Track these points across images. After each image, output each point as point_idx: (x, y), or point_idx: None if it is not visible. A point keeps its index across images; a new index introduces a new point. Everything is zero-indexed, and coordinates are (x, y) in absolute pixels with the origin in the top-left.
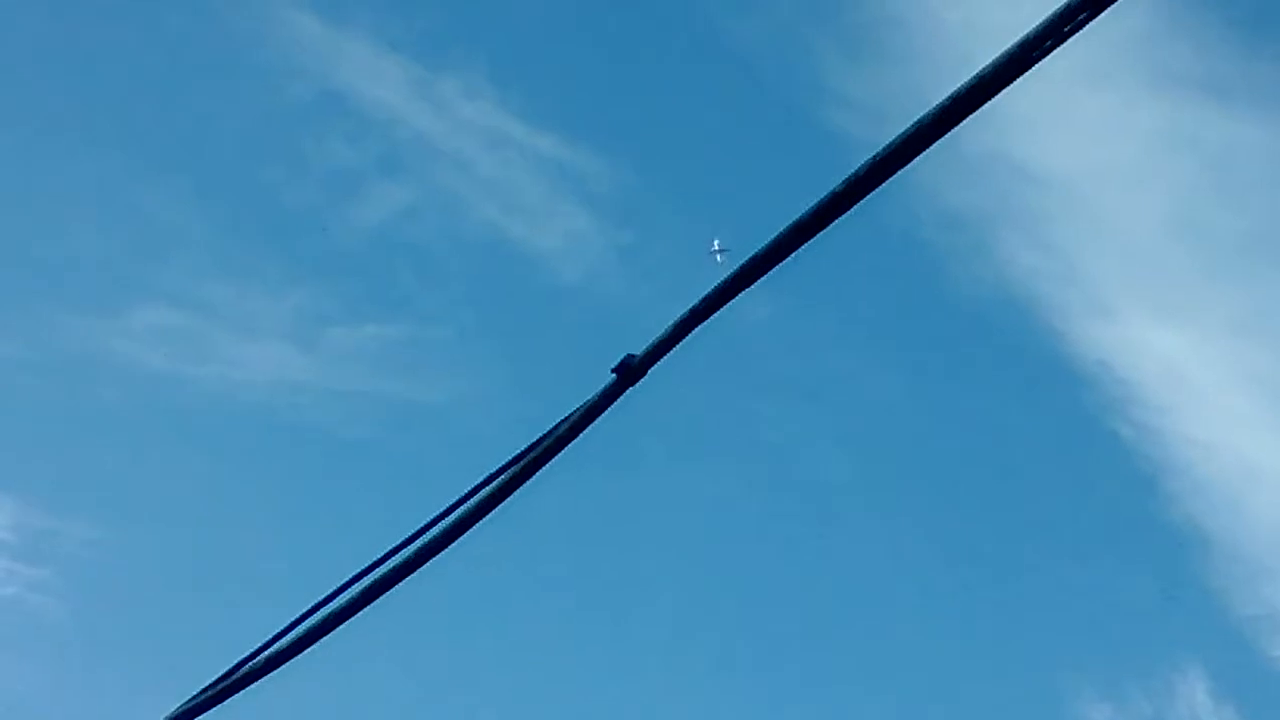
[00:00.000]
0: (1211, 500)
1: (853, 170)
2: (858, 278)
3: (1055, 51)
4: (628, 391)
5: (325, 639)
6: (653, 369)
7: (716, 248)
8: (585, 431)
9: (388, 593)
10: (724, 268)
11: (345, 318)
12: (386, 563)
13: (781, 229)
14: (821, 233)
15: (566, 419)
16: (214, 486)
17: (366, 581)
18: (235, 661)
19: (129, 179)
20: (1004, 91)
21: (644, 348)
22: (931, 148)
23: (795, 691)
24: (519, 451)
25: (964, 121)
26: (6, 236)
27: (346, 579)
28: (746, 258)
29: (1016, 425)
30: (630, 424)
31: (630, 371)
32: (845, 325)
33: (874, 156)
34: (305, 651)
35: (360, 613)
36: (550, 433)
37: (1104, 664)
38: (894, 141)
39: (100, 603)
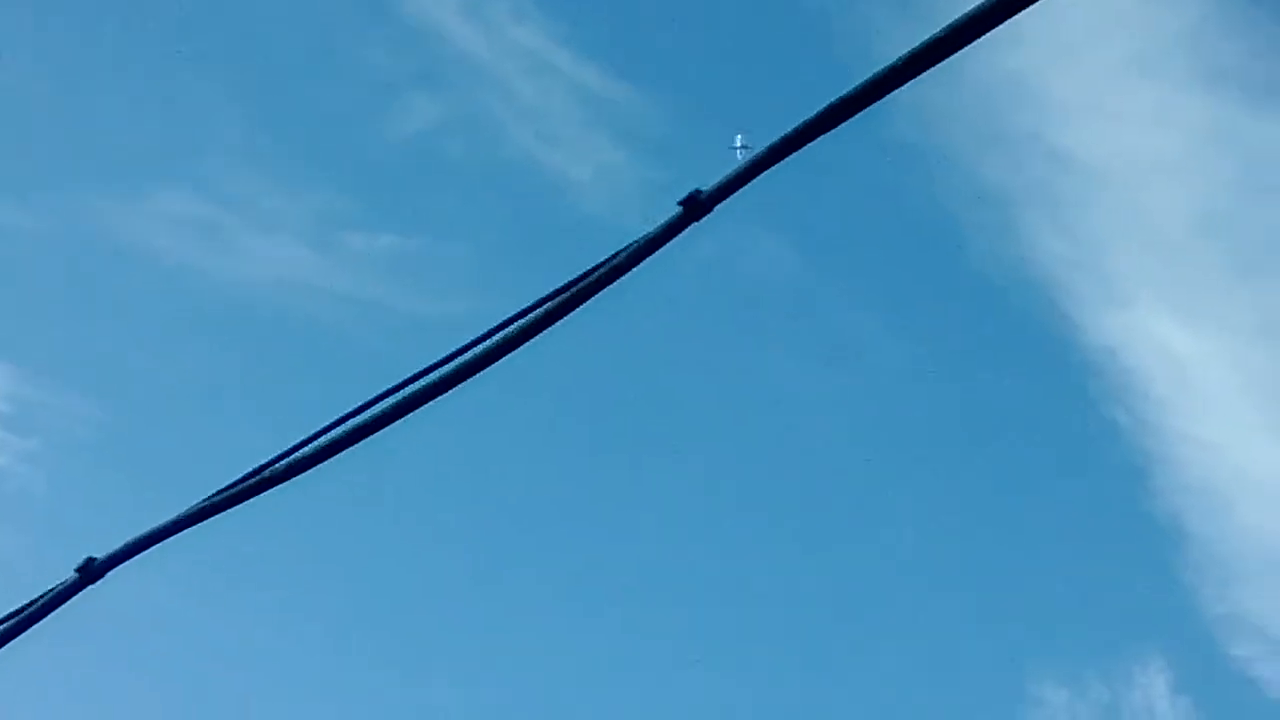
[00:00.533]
0: (1199, 499)
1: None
2: (882, 240)
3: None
4: (690, 228)
5: (347, 451)
6: (719, 207)
7: (740, 144)
8: (642, 265)
9: (418, 410)
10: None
11: (363, 224)
12: (422, 379)
13: (858, 83)
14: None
15: (625, 248)
16: (212, 375)
17: (397, 397)
18: (250, 469)
19: (165, 65)
20: (1050, 74)
21: (713, 183)
22: (973, 121)
23: (749, 633)
24: (573, 278)
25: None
26: (36, 108)
27: (378, 392)
28: (823, 106)
29: (1016, 403)
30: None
31: (697, 205)
32: (862, 285)
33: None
34: (320, 465)
35: (387, 427)
36: (607, 261)
37: (1066, 649)
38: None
39: (83, 477)
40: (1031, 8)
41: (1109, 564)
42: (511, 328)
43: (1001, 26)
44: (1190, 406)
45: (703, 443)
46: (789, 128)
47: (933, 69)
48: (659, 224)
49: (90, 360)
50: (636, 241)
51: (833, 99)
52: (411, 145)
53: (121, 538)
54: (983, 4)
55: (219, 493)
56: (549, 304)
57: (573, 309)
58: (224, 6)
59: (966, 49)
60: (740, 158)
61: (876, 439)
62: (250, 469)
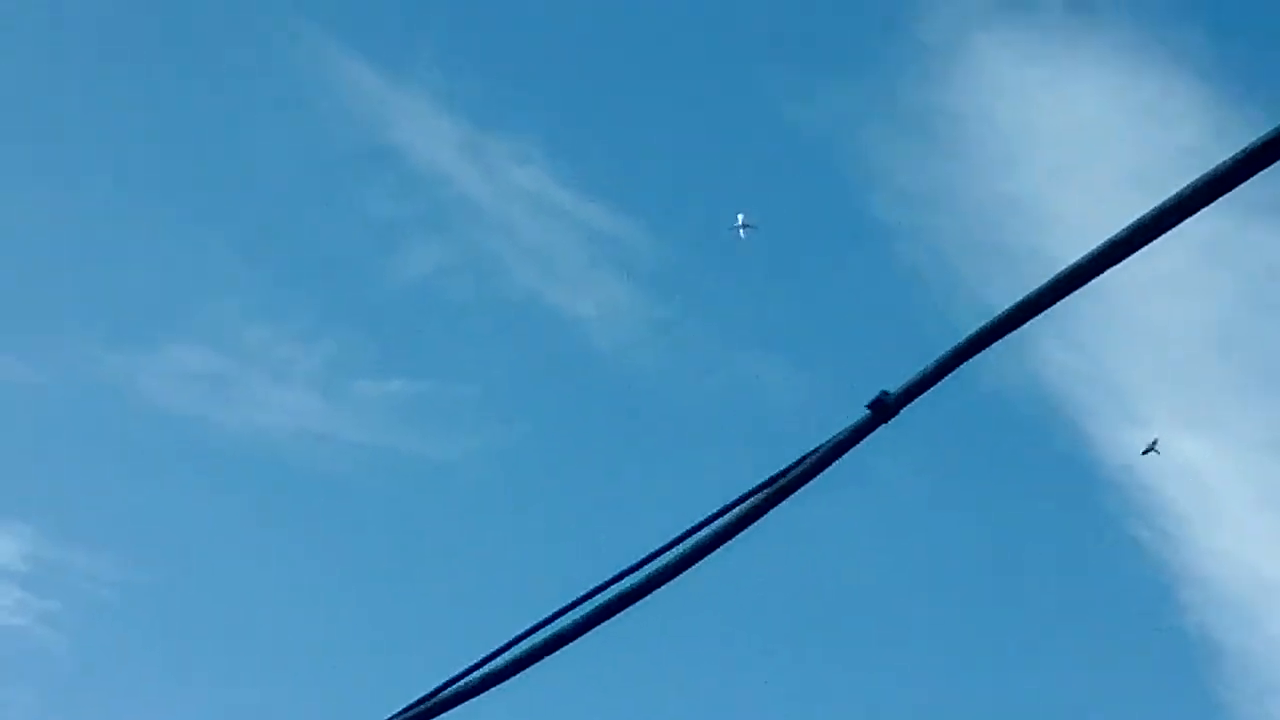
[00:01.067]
0: (1227, 613)
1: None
2: (889, 367)
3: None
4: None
5: (559, 650)
6: (906, 409)
7: (740, 223)
8: (832, 466)
9: (614, 616)
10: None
11: (373, 370)
12: (615, 585)
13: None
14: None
15: (815, 451)
16: (227, 528)
17: (601, 599)
18: (436, 685)
19: (175, 215)
20: (1059, 200)
21: (900, 385)
22: (976, 242)
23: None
24: (762, 481)
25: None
26: (50, 264)
27: (579, 595)
28: (1013, 303)
29: (1037, 523)
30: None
31: (884, 408)
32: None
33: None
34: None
35: (591, 631)
36: (798, 464)
37: None
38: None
39: (104, 637)
40: (1054, 148)
41: (1143, 683)
42: (703, 532)
43: (1000, 150)
44: (1211, 520)
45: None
46: (967, 332)
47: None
48: (847, 426)
49: (108, 517)
50: (826, 444)
51: (1013, 302)
52: (417, 288)
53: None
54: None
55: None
56: (741, 506)
57: (766, 511)
58: (229, 155)
59: (975, 175)
60: (742, 236)
61: (900, 568)
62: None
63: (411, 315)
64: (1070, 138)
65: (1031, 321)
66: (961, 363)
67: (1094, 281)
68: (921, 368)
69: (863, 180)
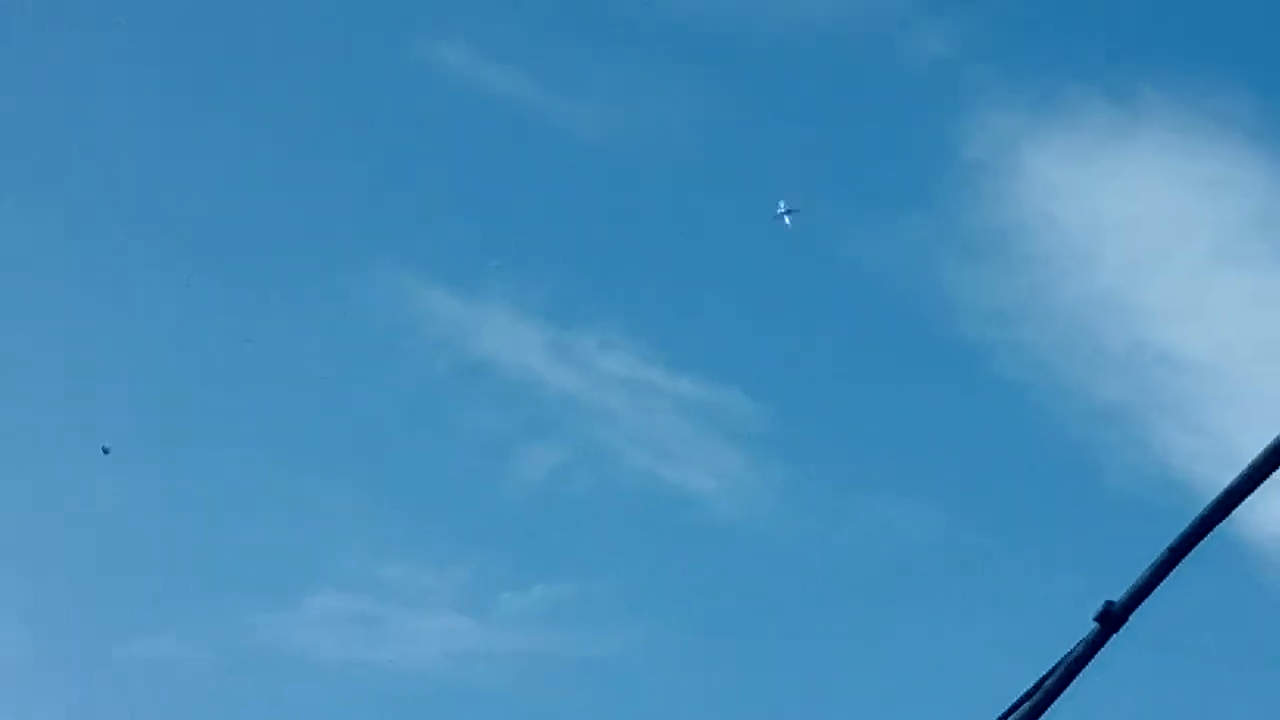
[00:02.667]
0: None
1: None
2: (1017, 484)
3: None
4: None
5: None
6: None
7: (783, 209)
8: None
9: None
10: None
11: (513, 581)
12: None
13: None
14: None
15: (1050, 673)
16: None
17: None
18: None
19: (292, 470)
20: (1145, 289)
21: (1124, 593)
22: (1073, 346)
23: None
24: (1003, 711)
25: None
26: (188, 539)
27: None
28: (1221, 491)
29: (1196, 613)
30: None
31: (1112, 618)
32: (1012, 535)
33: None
34: None
35: None
36: (1035, 689)
37: None
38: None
39: None
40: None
41: None
42: None
43: (1074, 252)
44: None
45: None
46: (1183, 528)
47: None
48: (1079, 642)
49: None
50: (1061, 664)
51: (1222, 490)
52: (537, 493)
53: None
54: None
55: None
56: None
57: None
58: (329, 401)
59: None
60: (787, 224)
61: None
62: None
63: (538, 519)
64: (1140, 226)
65: (1139, 414)
66: (1180, 559)
67: (1198, 360)
68: (1142, 571)
69: (942, 307)
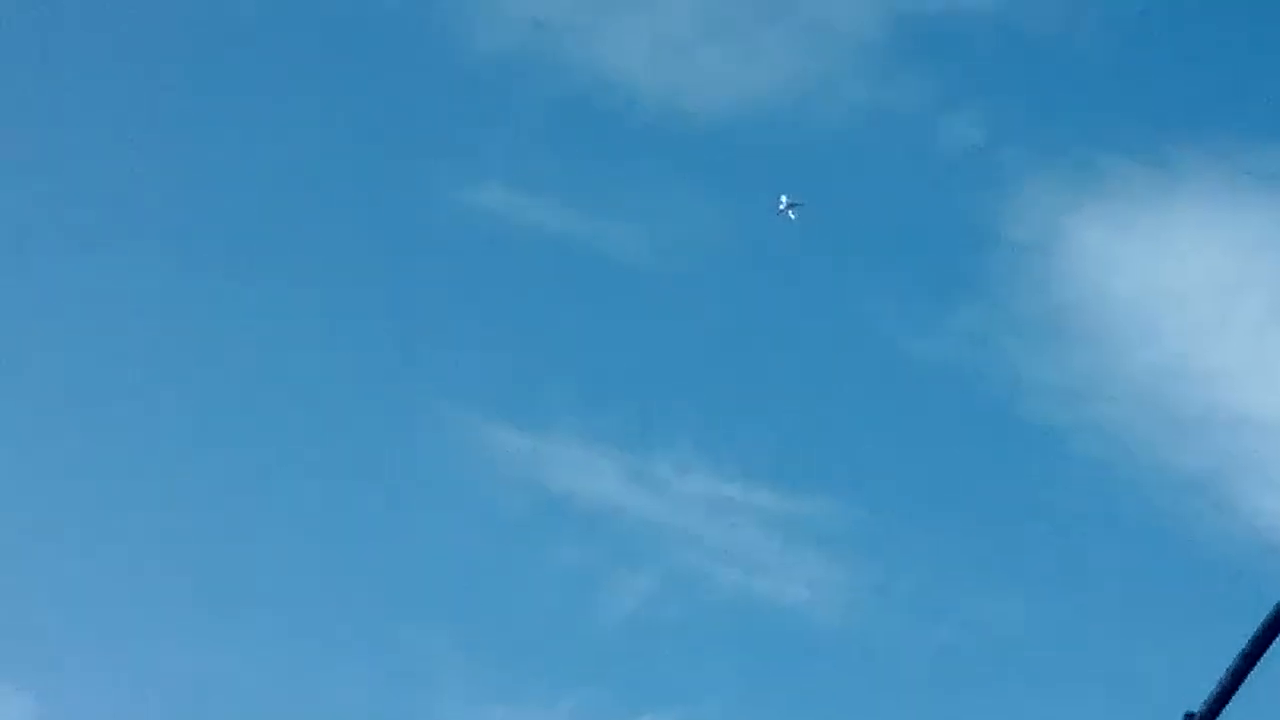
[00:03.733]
0: None
1: None
2: (1111, 562)
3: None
4: None
5: None
6: None
7: (785, 204)
8: None
9: None
10: None
11: (621, 714)
12: None
13: None
14: None
15: None
16: None
17: None
18: None
19: (386, 620)
20: (1209, 352)
21: (1202, 702)
22: (1146, 417)
23: None
24: None
25: None
26: (290, 697)
27: None
28: None
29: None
30: None
31: None
32: (1108, 613)
33: None
34: None
35: None
36: None
37: None
38: None
39: None
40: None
41: None
42: None
43: (1132, 323)
44: None
45: None
46: (1249, 636)
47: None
48: None
49: None
50: None
51: None
52: (633, 622)
53: None
54: None
55: None
56: None
57: None
58: (415, 553)
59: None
60: (792, 218)
61: None
62: None
63: (635, 649)
64: (1196, 289)
65: (1224, 478)
66: (1252, 666)
67: (1274, 420)
68: (1216, 680)
69: (1010, 392)
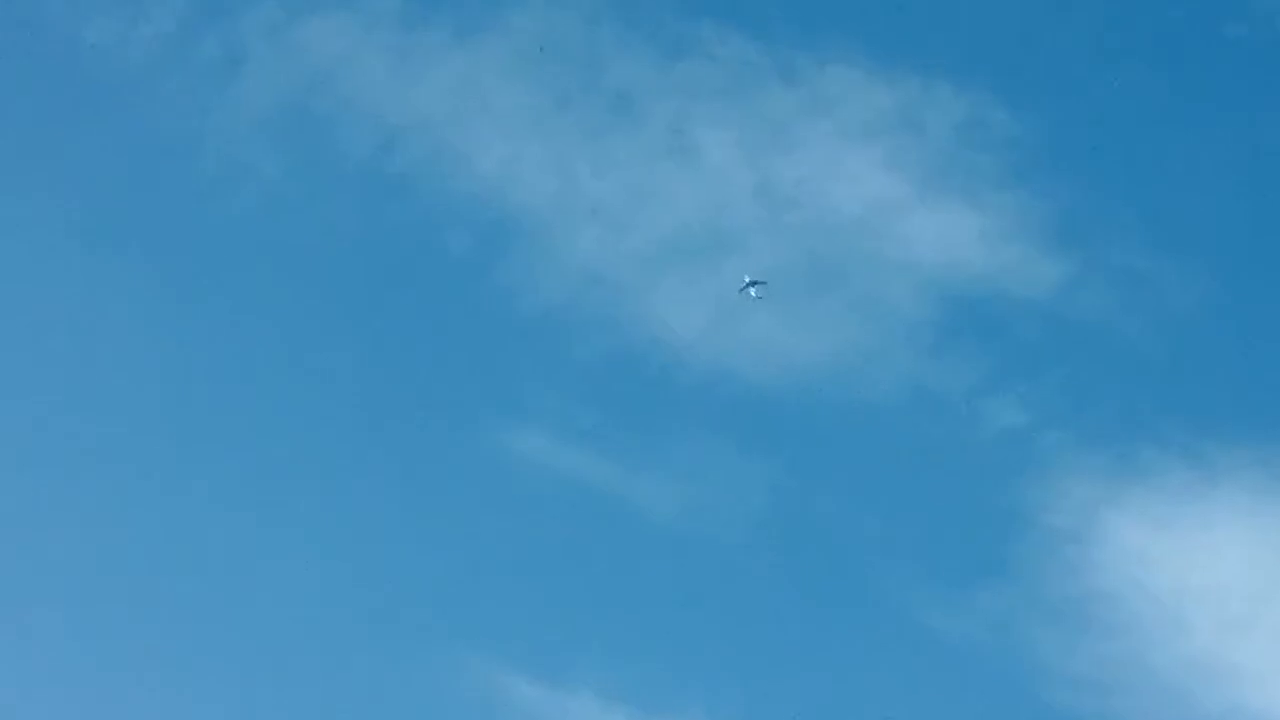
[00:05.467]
0: None
1: None
2: None
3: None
4: None
5: None
6: None
7: (747, 281)
8: None
9: None
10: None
11: None
12: None
13: None
14: None
15: None
16: None
17: None
18: None
19: None
20: (1238, 651)
21: None
22: (1169, 713)
23: None
24: None
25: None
26: None
27: None
28: None
29: None
30: None
31: None
32: None
33: None
34: None
35: None
36: None
37: None
38: None
39: None
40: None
41: None
42: None
43: (1162, 617)
44: None
45: None
46: None
47: None
48: None
49: None
50: None
51: None
52: None
53: None
54: None
55: None
56: None
57: None
58: None
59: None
60: (754, 295)
61: None
62: None
63: None
64: (1227, 588)
65: None
66: None
67: None
68: None
69: (1033, 676)
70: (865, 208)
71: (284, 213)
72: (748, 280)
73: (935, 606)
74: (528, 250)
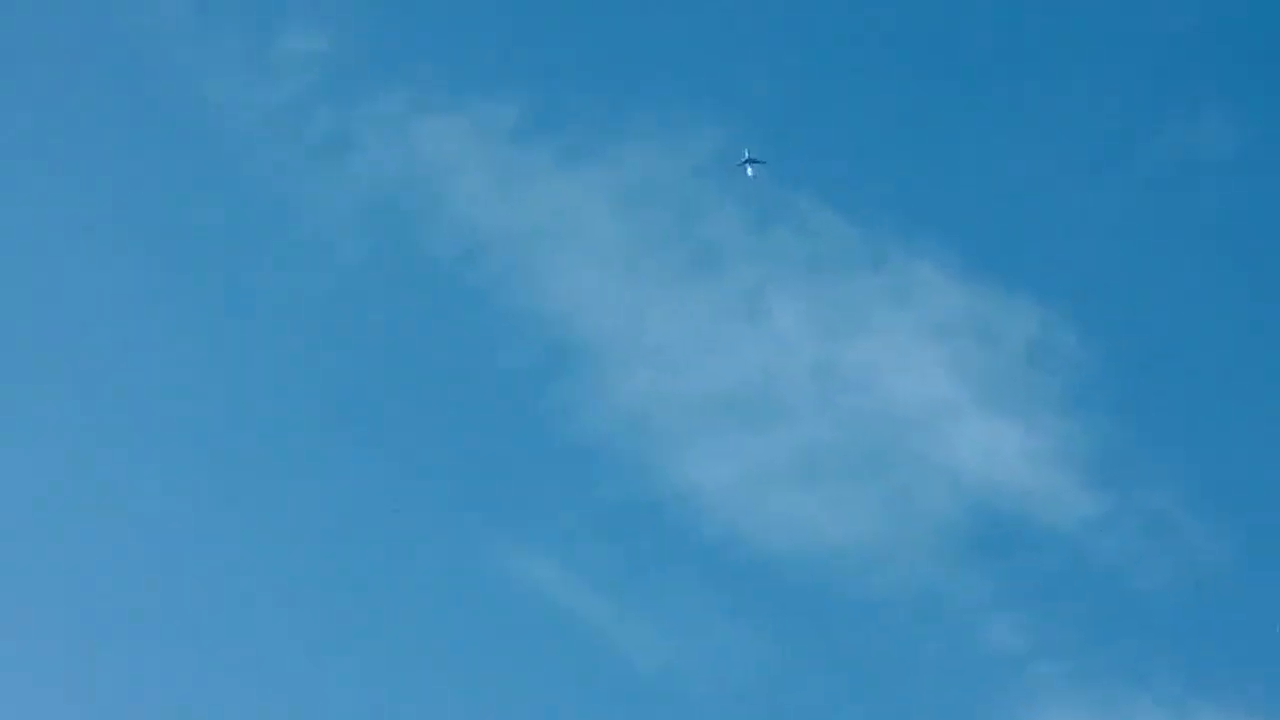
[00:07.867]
0: None
1: None
2: None
3: None
4: None
5: None
6: None
7: (746, 156)
8: None
9: None
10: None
11: None
12: None
13: None
14: None
15: None
16: None
17: None
18: None
19: None
20: None
21: None
22: None
23: None
24: None
25: None
26: None
27: None
28: None
29: None
30: None
31: None
32: None
33: None
34: None
35: None
36: None
37: None
38: None
39: None
40: None
41: None
42: None
43: None
44: None
45: None
46: None
47: None
48: None
49: None
50: None
51: None
52: None
53: None
54: None
55: None
56: None
57: None
58: None
59: None
60: (750, 173)
61: None
62: None
63: None
64: None
65: None
66: None
67: None
68: None
69: None
70: (920, 405)
71: (355, 300)
72: (746, 155)
73: None
74: (579, 381)
